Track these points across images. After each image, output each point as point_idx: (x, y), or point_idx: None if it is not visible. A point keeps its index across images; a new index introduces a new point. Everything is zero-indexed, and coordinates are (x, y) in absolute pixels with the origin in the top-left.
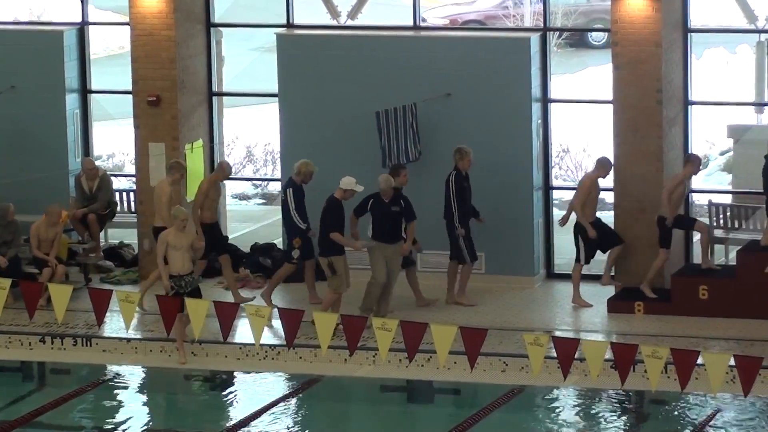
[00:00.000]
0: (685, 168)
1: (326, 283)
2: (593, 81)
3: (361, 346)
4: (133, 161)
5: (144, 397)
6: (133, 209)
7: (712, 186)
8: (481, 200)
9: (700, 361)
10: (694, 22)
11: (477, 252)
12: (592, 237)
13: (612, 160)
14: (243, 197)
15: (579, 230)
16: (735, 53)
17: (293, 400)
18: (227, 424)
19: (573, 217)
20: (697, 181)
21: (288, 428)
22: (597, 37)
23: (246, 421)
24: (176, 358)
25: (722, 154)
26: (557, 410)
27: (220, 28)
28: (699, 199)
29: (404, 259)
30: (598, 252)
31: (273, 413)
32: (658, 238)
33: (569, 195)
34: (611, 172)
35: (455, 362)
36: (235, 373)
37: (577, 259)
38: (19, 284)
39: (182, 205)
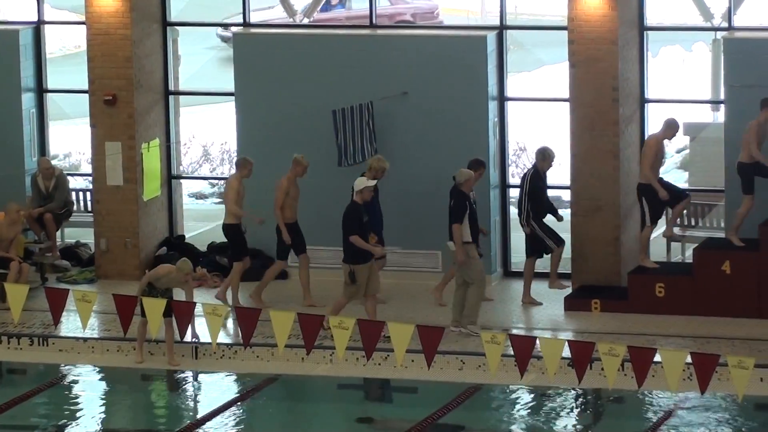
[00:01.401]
0: (660, 132)
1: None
2: (549, 79)
3: (318, 345)
4: (90, 160)
5: (101, 397)
6: (89, 209)
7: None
8: (438, 198)
9: (657, 358)
10: (651, 20)
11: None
12: (664, 198)
13: (569, 158)
14: (200, 196)
15: (643, 192)
16: (691, 51)
17: (250, 400)
18: (184, 424)
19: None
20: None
21: (245, 427)
22: None
23: (203, 421)
24: (133, 358)
25: (678, 151)
26: (514, 408)
27: (176, 27)
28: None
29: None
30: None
31: (230, 412)
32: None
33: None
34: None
35: (412, 360)
36: (192, 373)
37: (644, 223)
38: None
39: (237, 203)
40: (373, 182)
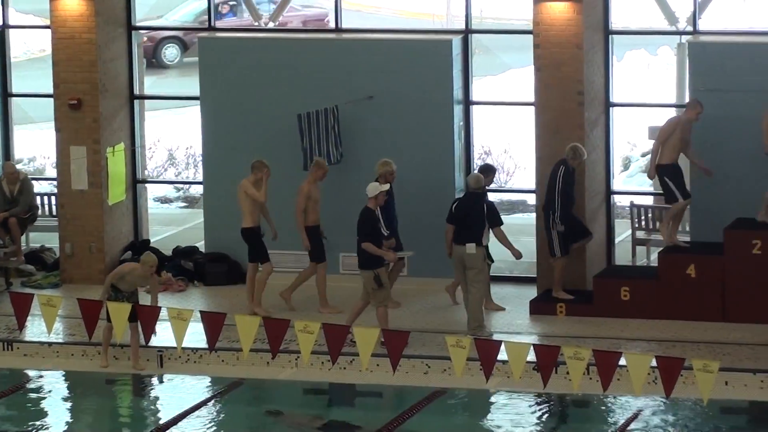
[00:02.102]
0: (685, 113)
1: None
2: (515, 83)
3: (284, 349)
4: (55, 165)
5: (66, 402)
6: (54, 213)
7: (633, 187)
8: (403, 202)
9: (622, 362)
10: (616, 24)
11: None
12: (650, 178)
13: (534, 162)
14: (165, 200)
15: (664, 172)
16: (656, 55)
17: (215, 404)
18: (149, 428)
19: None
20: (618, 183)
21: None
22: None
23: (168, 425)
24: (98, 362)
25: (644, 155)
26: (480, 412)
27: (141, 31)
28: (621, 201)
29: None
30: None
31: (194, 416)
32: None
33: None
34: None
35: (378, 365)
36: (157, 377)
37: (675, 199)
38: None
39: (259, 205)
40: (386, 186)
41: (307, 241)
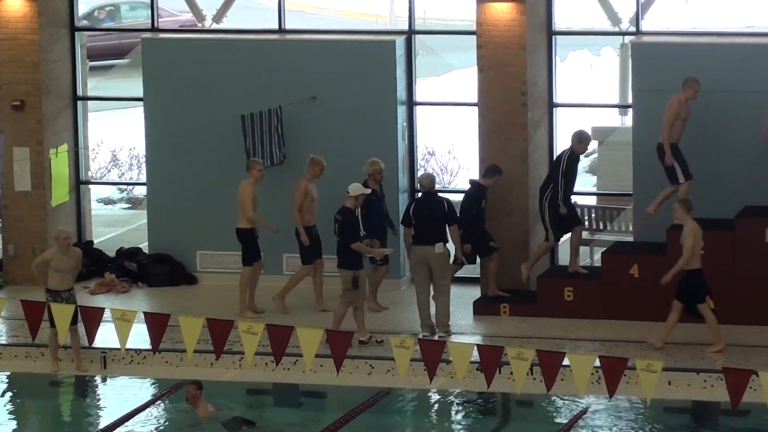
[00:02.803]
0: (682, 91)
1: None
2: (458, 83)
3: (227, 350)
4: None
5: (9, 404)
6: None
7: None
8: (269, 203)
9: (565, 362)
10: (559, 24)
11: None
12: (669, 163)
13: (478, 163)
14: (108, 201)
15: (661, 150)
16: (599, 55)
17: (159, 405)
18: (93, 430)
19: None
20: None
21: None
22: None
23: (112, 427)
24: (42, 364)
25: (587, 156)
26: (424, 412)
27: (84, 32)
28: None
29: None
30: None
31: (138, 418)
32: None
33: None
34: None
35: (321, 365)
36: (100, 378)
37: (677, 182)
38: None
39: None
40: (368, 190)
41: (306, 237)
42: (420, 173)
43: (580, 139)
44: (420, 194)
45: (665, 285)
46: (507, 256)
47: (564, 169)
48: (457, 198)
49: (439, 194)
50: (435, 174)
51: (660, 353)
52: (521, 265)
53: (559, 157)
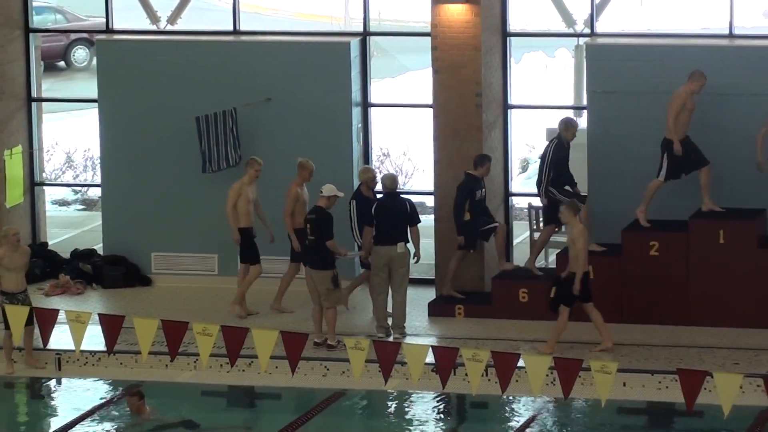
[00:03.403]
0: (687, 83)
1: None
2: (413, 85)
3: (182, 352)
4: None
5: None
6: None
7: (531, 189)
8: (270, 205)
9: (520, 363)
10: (513, 26)
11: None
12: (677, 153)
13: (433, 164)
14: (63, 203)
15: (665, 144)
16: (554, 57)
17: (113, 407)
18: (48, 431)
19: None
20: (516, 185)
21: None
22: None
23: (67, 428)
24: None
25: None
26: (379, 414)
27: (39, 34)
28: (518, 202)
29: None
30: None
31: (93, 420)
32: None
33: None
34: (417, 175)
35: (276, 367)
36: (55, 380)
37: (657, 175)
38: None
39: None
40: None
41: (297, 243)
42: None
43: (567, 126)
44: (382, 194)
45: (577, 293)
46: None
47: (550, 159)
48: (414, 199)
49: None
50: (397, 176)
51: (613, 354)
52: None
53: (547, 147)
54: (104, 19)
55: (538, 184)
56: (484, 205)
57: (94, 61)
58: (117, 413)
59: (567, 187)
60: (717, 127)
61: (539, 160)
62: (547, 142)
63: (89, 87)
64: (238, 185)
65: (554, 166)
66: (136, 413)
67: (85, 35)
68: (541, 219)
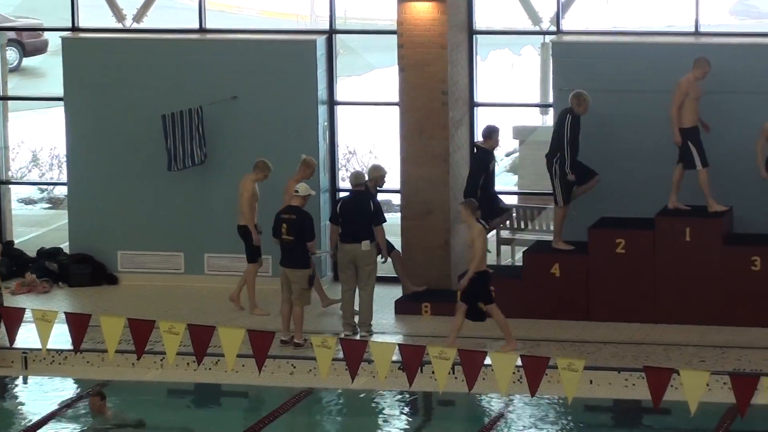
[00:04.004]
0: (692, 71)
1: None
2: (379, 83)
3: (149, 350)
4: None
5: None
6: None
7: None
8: (269, 202)
9: (487, 361)
10: (479, 24)
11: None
12: (676, 143)
13: (399, 162)
14: (29, 201)
15: (686, 136)
16: (520, 55)
17: (80, 406)
18: (15, 430)
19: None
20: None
21: None
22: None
23: (34, 427)
24: None
25: (508, 155)
26: (345, 412)
27: (5, 32)
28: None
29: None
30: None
31: (60, 419)
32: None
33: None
34: (394, 174)
35: (243, 365)
36: (21, 378)
37: (694, 165)
38: None
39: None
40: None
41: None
42: (341, 173)
43: (579, 101)
44: (348, 192)
45: (461, 291)
46: (428, 255)
47: (569, 137)
48: (381, 197)
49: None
50: (363, 173)
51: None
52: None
53: (561, 122)
54: (34, 20)
55: (552, 158)
56: (493, 178)
57: (24, 62)
58: (83, 412)
59: (569, 175)
60: None
61: (553, 134)
62: (559, 116)
63: (40, 86)
64: (252, 185)
65: (572, 143)
66: (98, 413)
67: (13, 36)
68: (560, 194)
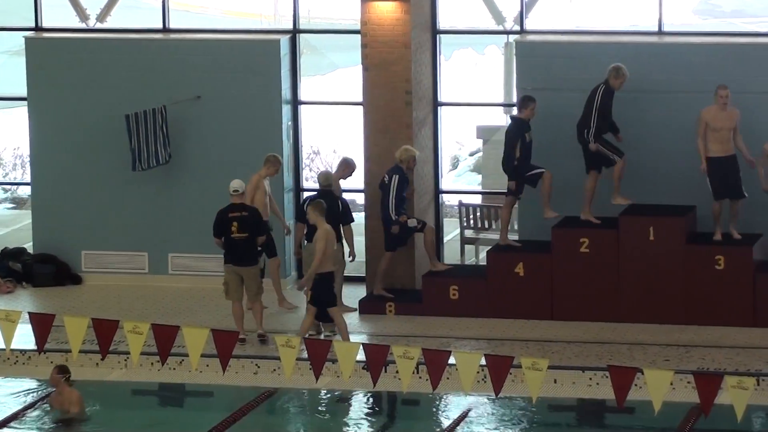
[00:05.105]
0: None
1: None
2: (343, 82)
3: (113, 350)
4: None
5: None
6: None
7: (461, 186)
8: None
9: (451, 360)
10: (443, 23)
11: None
12: (702, 171)
13: (364, 161)
14: None
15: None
16: (484, 54)
17: (45, 406)
18: None
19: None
20: (446, 182)
21: None
22: None
23: None
24: None
25: (472, 154)
26: (310, 412)
27: None
28: (449, 200)
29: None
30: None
31: (23, 419)
32: None
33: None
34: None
35: (207, 365)
36: None
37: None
38: None
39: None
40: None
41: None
42: (305, 172)
43: (617, 74)
44: (316, 192)
45: (301, 290)
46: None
47: (599, 105)
48: (347, 196)
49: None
50: (331, 173)
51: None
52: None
53: (594, 91)
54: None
55: (582, 127)
56: (530, 148)
57: None
58: (47, 412)
59: (605, 138)
60: (647, 123)
61: (586, 104)
62: (594, 88)
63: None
64: (256, 178)
65: (601, 113)
66: (54, 385)
67: None
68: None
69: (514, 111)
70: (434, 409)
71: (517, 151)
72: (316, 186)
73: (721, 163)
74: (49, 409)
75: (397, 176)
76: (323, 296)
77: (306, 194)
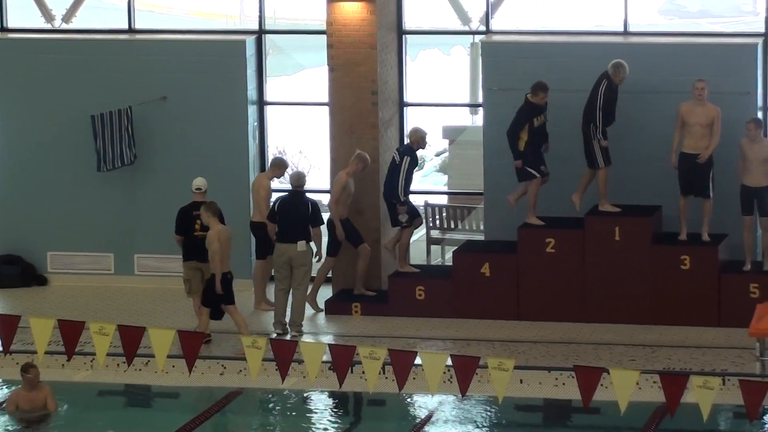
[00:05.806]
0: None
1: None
2: (309, 83)
3: (79, 351)
4: None
5: None
6: None
7: (427, 187)
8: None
9: (417, 361)
10: (409, 24)
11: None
12: (672, 164)
13: (330, 162)
14: None
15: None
16: (449, 55)
17: (5, 407)
18: None
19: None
20: (414, 183)
21: None
22: None
23: None
24: None
25: (438, 155)
26: (276, 413)
27: None
28: (415, 200)
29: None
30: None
31: None
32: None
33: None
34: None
35: (173, 366)
36: None
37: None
38: None
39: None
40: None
41: (342, 230)
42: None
43: (617, 70)
44: (287, 192)
45: (219, 293)
46: (357, 254)
47: (602, 103)
48: (315, 196)
49: (307, 194)
50: (304, 174)
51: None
52: (572, 195)
53: (596, 88)
54: None
55: (588, 122)
56: (544, 131)
57: None
58: (9, 414)
59: (601, 141)
60: (614, 124)
61: (588, 99)
62: (596, 81)
63: None
64: (267, 182)
65: (604, 109)
66: (30, 385)
67: None
68: (599, 157)
69: (480, 111)
70: (400, 409)
71: (525, 133)
72: (281, 185)
73: (689, 159)
74: (9, 410)
75: (409, 158)
76: (216, 295)
77: (276, 195)
